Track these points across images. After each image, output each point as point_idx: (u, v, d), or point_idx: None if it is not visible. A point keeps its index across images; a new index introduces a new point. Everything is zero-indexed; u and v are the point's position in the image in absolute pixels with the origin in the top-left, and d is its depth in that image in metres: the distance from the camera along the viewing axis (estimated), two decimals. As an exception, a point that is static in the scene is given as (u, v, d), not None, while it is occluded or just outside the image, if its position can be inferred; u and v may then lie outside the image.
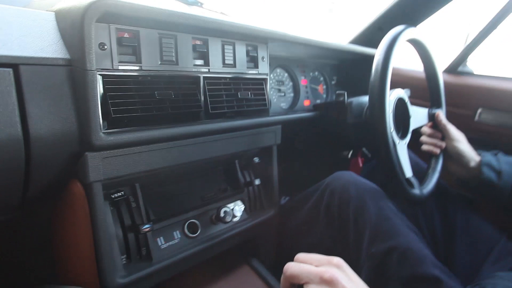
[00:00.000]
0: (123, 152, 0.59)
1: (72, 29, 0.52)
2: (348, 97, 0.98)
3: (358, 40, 1.35)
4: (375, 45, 1.12)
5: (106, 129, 0.56)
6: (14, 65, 0.47)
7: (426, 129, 0.93)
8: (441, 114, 0.92)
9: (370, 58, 0.89)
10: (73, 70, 0.53)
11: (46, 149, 0.51)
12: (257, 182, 0.88)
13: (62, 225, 0.65)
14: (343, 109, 0.96)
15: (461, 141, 0.87)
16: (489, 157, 0.83)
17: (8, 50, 0.47)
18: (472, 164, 0.83)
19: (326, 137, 1.17)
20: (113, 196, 0.63)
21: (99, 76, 0.54)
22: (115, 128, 0.57)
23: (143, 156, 0.62)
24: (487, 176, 0.80)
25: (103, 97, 0.55)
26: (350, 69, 1.32)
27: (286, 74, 1.10)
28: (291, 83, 1.10)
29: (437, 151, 0.91)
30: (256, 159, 0.89)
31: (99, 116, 0.54)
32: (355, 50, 1.14)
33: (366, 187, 0.80)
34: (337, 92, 0.96)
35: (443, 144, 0.90)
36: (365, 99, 0.98)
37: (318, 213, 0.84)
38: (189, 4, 1.20)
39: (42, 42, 0.51)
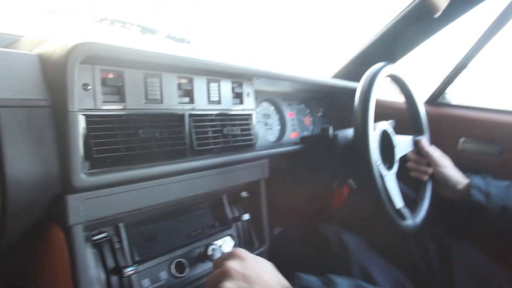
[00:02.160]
0: (106, 192, 0.58)
1: (55, 70, 0.53)
2: (334, 128, 1.00)
3: (342, 74, 1.40)
4: (357, 79, 1.16)
5: (88, 170, 0.55)
6: None
7: (411, 156, 0.95)
8: (423, 140, 0.94)
9: (353, 91, 0.92)
10: (54, 111, 0.53)
11: (23, 193, 0.50)
12: (246, 217, 0.86)
13: (40, 270, 0.62)
14: (328, 142, 0.97)
15: (446, 166, 0.89)
16: (477, 180, 0.84)
17: None
18: (460, 186, 0.84)
19: (313, 169, 1.17)
20: (94, 238, 0.61)
21: (82, 116, 0.54)
22: (98, 168, 0.57)
23: (127, 196, 0.61)
24: (476, 198, 0.80)
25: (86, 137, 0.55)
26: (335, 101, 1.35)
27: (272, 108, 1.12)
28: (277, 116, 1.12)
29: (425, 177, 0.92)
30: (244, 194, 0.89)
31: (80, 157, 0.53)
32: (338, 84, 1.18)
33: (350, 245, 0.80)
34: (322, 126, 0.98)
35: (429, 170, 0.91)
36: (350, 132, 1.00)
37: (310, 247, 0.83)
38: (177, 41, 1.24)
39: (24, 84, 0.51)
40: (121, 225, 0.66)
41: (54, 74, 0.53)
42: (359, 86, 0.79)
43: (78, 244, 0.56)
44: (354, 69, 1.35)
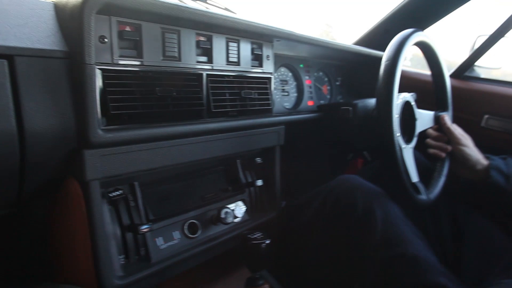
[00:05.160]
0: (122, 150, 0.57)
1: (71, 20, 0.50)
2: (352, 98, 0.97)
3: (364, 42, 1.33)
4: (380, 48, 1.10)
5: (104, 126, 0.54)
6: (9, 56, 0.46)
7: (431, 132, 0.92)
8: (446, 117, 0.90)
9: (375, 60, 0.87)
10: (71, 63, 0.51)
11: (41, 145, 0.50)
12: (259, 183, 0.86)
13: (59, 223, 0.63)
14: (347, 114, 0.94)
15: (466, 144, 0.85)
16: (498, 161, 0.81)
17: (3, 40, 0.45)
18: (479, 167, 0.82)
19: (329, 138, 1.15)
20: (111, 195, 0.61)
21: (98, 70, 0.52)
22: (114, 125, 0.55)
23: (143, 154, 0.60)
24: (495, 180, 0.78)
25: (102, 92, 0.53)
26: (355, 70, 1.30)
27: (290, 74, 1.08)
28: (295, 83, 1.08)
29: (443, 154, 0.89)
30: (258, 160, 0.88)
31: (97, 112, 0.52)
32: (361, 51, 1.12)
33: (372, 192, 0.78)
34: (342, 107, 0.94)
35: (449, 147, 0.88)
36: (371, 102, 0.96)
37: (322, 217, 0.82)
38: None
39: (40, 33, 0.49)
40: (136, 183, 0.66)
41: (70, 24, 0.51)
42: (386, 52, 0.75)
43: (95, 199, 0.56)
44: (378, 37, 1.28)
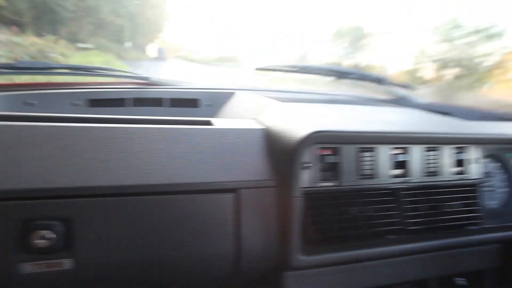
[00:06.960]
0: (319, 272, 0.58)
1: (281, 151, 0.56)
2: None
3: None
4: None
5: (304, 249, 0.56)
6: (235, 190, 0.54)
7: None
8: None
9: None
10: (279, 191, 0.57)
11: (249, 262, 0.56)
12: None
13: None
14: None
15: None
16: None
17: (230, 176, 0.54)
18: None
19: None
20: None
21: (301, 195, 0.56)
22: (313, 246, 0.57)
23: (337, 276, 0.60)
24: None
25: (304, 216, 0.56)
26: None
27: (496, 164, 0.88)
28: (504, 175, 0.88)
29: None
30: (460, 281, 0.72)
31: (298, 236, 0.55)
32: None
33: None
34: None
35: None
36: None
37: None
38: (372, 81, 1.19)
39: (255, 165, 0.57)
40: None
41: (280, 155, 0.57)
42: None
43: None
44: None
